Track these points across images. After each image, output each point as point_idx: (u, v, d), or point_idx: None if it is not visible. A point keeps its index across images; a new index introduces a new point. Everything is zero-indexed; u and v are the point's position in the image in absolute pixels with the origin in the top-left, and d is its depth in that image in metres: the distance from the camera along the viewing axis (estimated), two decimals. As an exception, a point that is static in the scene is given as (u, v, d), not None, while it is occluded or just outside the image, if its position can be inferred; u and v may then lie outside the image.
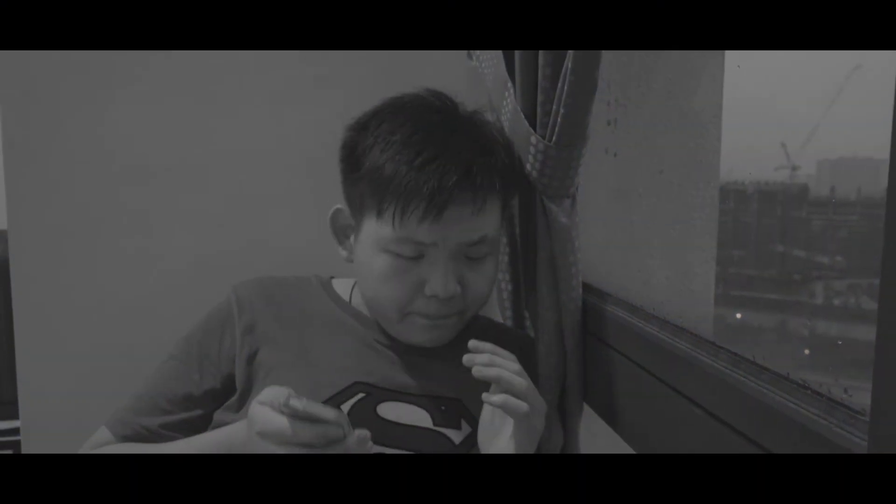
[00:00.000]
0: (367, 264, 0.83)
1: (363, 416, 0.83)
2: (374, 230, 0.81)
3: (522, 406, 0.72)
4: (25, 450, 1.11)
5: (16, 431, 1.15)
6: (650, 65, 0.82)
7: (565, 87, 0.72)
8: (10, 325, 1.09)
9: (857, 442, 0.42)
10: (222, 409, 0.87)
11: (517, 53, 0.83)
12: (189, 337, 0.90)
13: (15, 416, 1.11)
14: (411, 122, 0.81)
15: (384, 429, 0.83)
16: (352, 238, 0.87)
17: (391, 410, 0.84)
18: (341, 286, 0.95)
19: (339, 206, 0.88)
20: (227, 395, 0.87)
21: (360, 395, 0.84)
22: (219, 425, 0.85)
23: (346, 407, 0.83)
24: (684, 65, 0.76)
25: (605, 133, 0.92)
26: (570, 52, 0.71)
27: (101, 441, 0.87)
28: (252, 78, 1.13)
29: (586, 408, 0.88)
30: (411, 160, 0.77)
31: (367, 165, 0.80)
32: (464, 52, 1.09)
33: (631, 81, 0.86)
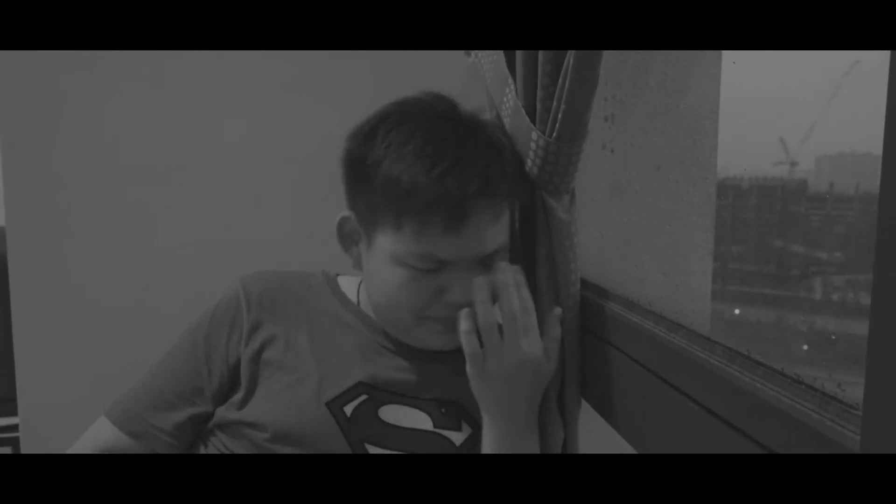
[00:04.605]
0: (381, 275, 0.81)
1: (365, 418, 0.83)
2: (390, 244, 0.79)
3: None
4: (24, 446, 1.12)
5: (15, 428, 1.15)
6: (647, 61, 0.82)
7: (566, 84, 0.72)
8: (9, 322, 1.09)
9: (850, 436, 0.43)
10: (226, 406, 0.86)
11: (517, 51, 0.83)
12: (196, 330, 0.89)
13: (14, 413, 1.12)
14: (422, 132, 0.78)
15: (385, 431, 0.83)
16: (360, 245, 0.86)
17: (392, 413, 0.84)
18: (347, 284, 0.94)
19: (345, 213, 0.86)
20: (232, 390, 0.87)
21: (363, 398, 0.84)
22: (222, 423, 0.85)
23: (349, 409, 0.83)
24: (681, 61, 0.76)
25: (601, 129, 0.92)
26: (571, 50, 0.70)
27: (103, 435, 0.87)
28: (252, 77, 1.13)
29: (583, 403, 0.89)
30: (428, 171, 0.75)
31: (381, 178, 0.77)
32: (462, 51, 1.08)
33: (628, 78, 0.86)
